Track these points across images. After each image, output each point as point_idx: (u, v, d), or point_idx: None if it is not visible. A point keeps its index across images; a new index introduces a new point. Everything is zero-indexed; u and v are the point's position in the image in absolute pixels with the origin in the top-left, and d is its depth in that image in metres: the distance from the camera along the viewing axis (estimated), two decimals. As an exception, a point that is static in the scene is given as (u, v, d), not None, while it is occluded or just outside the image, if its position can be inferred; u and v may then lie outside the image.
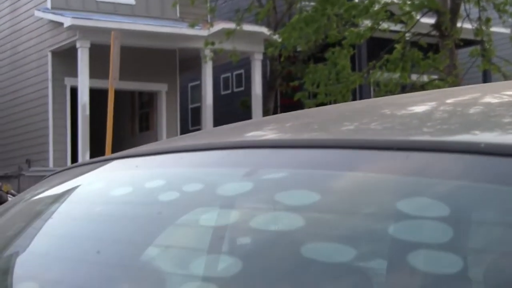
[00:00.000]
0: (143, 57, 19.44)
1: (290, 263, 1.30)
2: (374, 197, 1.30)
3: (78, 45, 18.08)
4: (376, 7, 16.66)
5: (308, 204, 1.36)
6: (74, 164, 2.15)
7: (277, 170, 1.49)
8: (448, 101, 1.78)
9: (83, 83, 17.89)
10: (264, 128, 1.94)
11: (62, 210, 1.87)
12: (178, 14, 20.10)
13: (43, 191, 2.01)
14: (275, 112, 20.44)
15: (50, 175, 2.12)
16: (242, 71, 22.42)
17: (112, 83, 11.83)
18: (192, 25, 17.96)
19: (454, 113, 1.61)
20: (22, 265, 1.75)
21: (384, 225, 1.24)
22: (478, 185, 1.21)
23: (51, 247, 1.74)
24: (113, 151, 10.80)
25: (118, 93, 15.94)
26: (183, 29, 18.88)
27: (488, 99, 1.72)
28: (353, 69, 18.27)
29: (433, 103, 1.78)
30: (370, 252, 1.26)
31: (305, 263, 1.27)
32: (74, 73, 18.36)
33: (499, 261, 1.14)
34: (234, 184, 1.54)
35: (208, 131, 2.19)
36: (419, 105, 1.78)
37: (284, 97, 21.55)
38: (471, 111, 1.60)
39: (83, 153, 17.51)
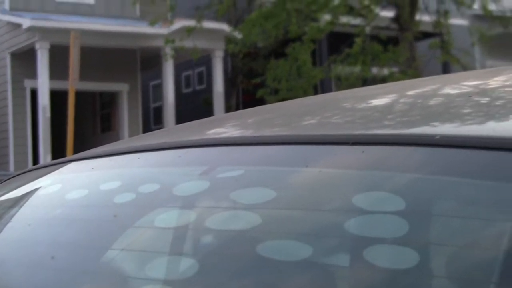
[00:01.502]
0: (104, 57, 19.31)
1: (248, 262, 1.29)
2: (330, 193, 1.29)
3: (37, 46, 17.91)
4: (336, 1, 16.70)
5: (265, 202, 1.35)
6: (30, 168, 2.12)
7: (233, 168, 1.47)
8: (405, 93, 1.77)
9: (43, 85, 17.72)
10: (221, 126, 1.92)
11: (17, 214, 1.83)
12: (138, 13, 19.99)
13: (-1, 196, 1.98)
14: (237, 109, 20.40)
15: (5, 180, 2.09)
16: (203, 68, 22.35)
17: (73, 84, 11.74)
18: (152, 23, 17.87)
19: (411, 105, 1.60)
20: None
21: (341, 221, 1.23)
22: (434, 178, 1.21)
23: (6, 253, 1.71)
24: (75, 153, 10.74)
25: (79, 94, 15.83)
26: (143, 28, 18.77)
27: (445, 90, 1.72)
28: (314, 64, 18.31)
29: (390, 96, 1.77)
30: (328, 249, 1.24)
31: (263, 262, 1.26)
32: (34, 75, 18.18)
33: (458, 254, 1.13)
34: (191, 183, 1.52)
35: (165, 130, 2.17)
36: (376, 98, 1.77)
37: (246, 94, 21.52)
38: (428, 102, 1.60)
39: (45, 156, 17.36)
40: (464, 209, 1.16)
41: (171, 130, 2.24)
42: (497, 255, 1.06)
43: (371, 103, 1.71)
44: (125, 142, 2.01)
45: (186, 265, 1.39)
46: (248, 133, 1.73)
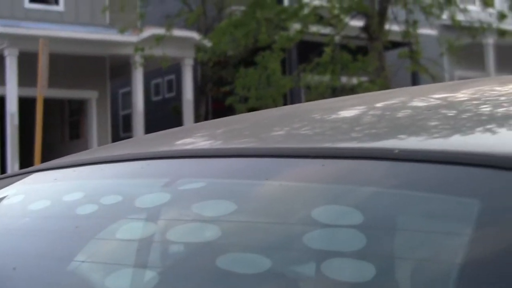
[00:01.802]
0: (73, 64, 19.23)
1: (208, 275, 1.29)
2: (290, 206, 1.30)
3: (6, 53, 17.79)
4: (306, 10, 16.76)
5: (225, 215, 1.35)
6: (-7, 178, 2.11)
7: (195, 180, 1.48)
8: (371, 105, 1.79)
9: (12, 92, 17.59)
10: (189, 136, 1.93)
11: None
12: (108, 21, 19.94)
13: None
14: (206, 117, 20.40)
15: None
16: (173, 76, 22.31)
17: (41, 92, 11.67)
18: (122, 31, 17.81)
19: (376, 118, 1.61)
20: None
21: (301, 234, 1.23)
22: (393, 192, 1.22)
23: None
24: (43, 160, 10.68)
25: (47, 101, 15.75)
26: (113, 36, 18.71)
27: (410, 102, 1.73)
28: (284, 72, 18.34)
29: (357, 108, 1.78)
30: (287, 262, 1.25)
31: (223, 275, 1.26)
32: (2, 81, 18.05)
33: (415, 268, 1.14)
34: (152, 195, 1.52)
35: (131, 141, 2.17)
36: (343, 110, 1.78)
37: (216, 102, 21.51)
38: (394, 115, 1.61)
39: (12, 164, 17.23)
40: (421, 223, 1.17)
41: (137, 141, 2.24)
42: (453, 269, 1.07)
43: (339, 114, 1.72)
44: (89, 153, 2.00)
45: (147, 277, 1.39)
46: (217, 144, 1.73)
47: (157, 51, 17.58)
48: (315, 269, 1.18)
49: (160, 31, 18.19)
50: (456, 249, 1.09)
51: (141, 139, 2.14)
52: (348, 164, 1.29)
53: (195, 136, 1.90)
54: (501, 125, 1.32)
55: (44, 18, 19.28)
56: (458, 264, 1.07)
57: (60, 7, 19.82)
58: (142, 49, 17.59)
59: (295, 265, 1.24)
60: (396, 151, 1.25)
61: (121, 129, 22.71)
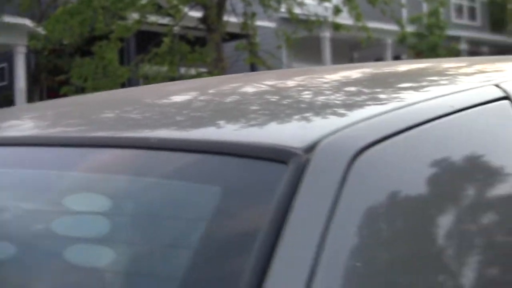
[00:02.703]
0: None
1: None
2: (43, 194, 1.30)
3: None
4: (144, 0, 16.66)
5: None
6: None
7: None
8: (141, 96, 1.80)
9: None
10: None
11: None
12: None
13: None
14: (41, 107, 19.89)
15: None
16: (5, 64, 21.68)
17: None
18: None
19: (149, 107, 1.63)
20: None
21: (50, 221, 1.24)
22: (145, 179, 1.24)
23: None
24: None
25: None
26: None
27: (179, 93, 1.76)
28: (122, 63, 18.17)
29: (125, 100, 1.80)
30: (35, 249, 1.25)
31: (6, 264, 1.25)
32: None
33: (158, 253, 1.16)
34: None
35: None
36: (114, 102, 1.79)
37: (51, 91, 21.06)
38: (160, 105, 1.63)
39: None
40: (166, 210, 1.19)
41: None
42: (191, 254, 1.10)
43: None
44: None
45: None
46: (43, 125, 1.69)
47: (-12, 38, 17.06)
48: (63, 255, 1.19)
49: (-10, 17, 17.64)
50: (197, 234, 1.12)
51: None
52: (105, 153, 1.31)
53: (27, 118, 1.85)
54: (243, 114, 1.37)
55: None
56: (196, 249, 1.10)
57: None
58: (-31, 35, 17.01)
59: (45, 252, 1.24)
60: (153, 140, 1.27)
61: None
